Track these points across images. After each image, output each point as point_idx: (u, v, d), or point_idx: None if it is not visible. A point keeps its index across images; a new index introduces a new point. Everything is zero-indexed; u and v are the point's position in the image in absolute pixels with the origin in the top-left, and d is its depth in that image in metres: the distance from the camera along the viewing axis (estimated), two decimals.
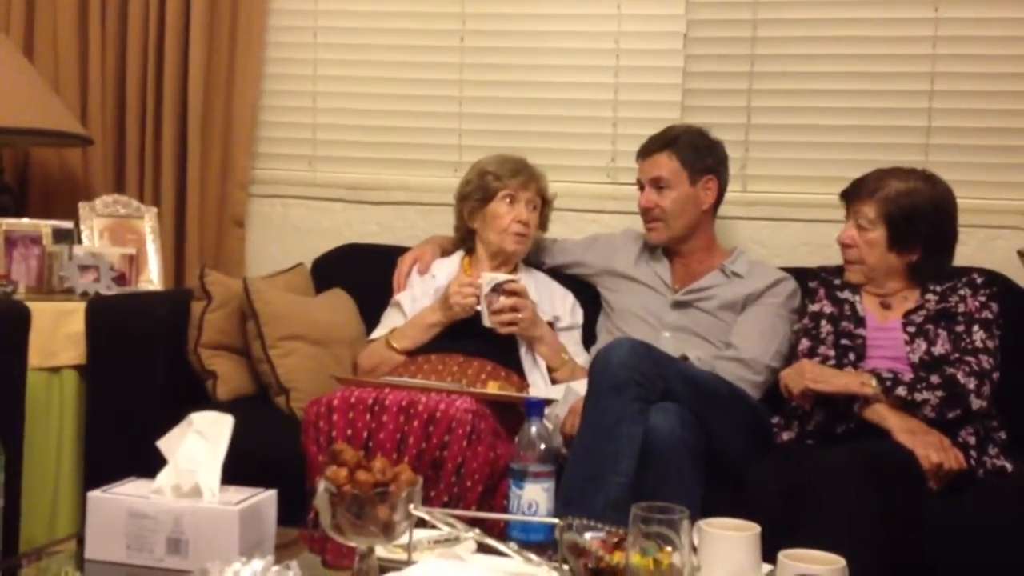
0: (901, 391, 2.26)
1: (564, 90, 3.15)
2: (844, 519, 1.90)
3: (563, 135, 3.15)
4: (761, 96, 3.02)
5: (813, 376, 2.34)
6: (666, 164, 2.70)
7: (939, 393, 2.27)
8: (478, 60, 3.21)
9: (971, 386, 2.28)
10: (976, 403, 2.28)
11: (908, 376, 2.31)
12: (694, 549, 1.47)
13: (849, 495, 1.93)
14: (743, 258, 2.76)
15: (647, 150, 2.75)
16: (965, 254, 2.61)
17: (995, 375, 2.33)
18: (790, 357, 2.55)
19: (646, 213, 2.74)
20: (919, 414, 2.26)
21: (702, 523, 1.55)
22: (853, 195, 2.51)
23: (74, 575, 1.64)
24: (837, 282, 2.57)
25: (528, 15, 3.17)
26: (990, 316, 2.41)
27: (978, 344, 2.35)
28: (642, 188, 2.75)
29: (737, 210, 2.98)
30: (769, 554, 1.50)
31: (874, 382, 2.29)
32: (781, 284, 2.68)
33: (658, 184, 2.70)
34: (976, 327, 2.38)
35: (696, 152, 2.71)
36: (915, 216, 2.43)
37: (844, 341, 2.44)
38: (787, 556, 1.45)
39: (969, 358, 2.33)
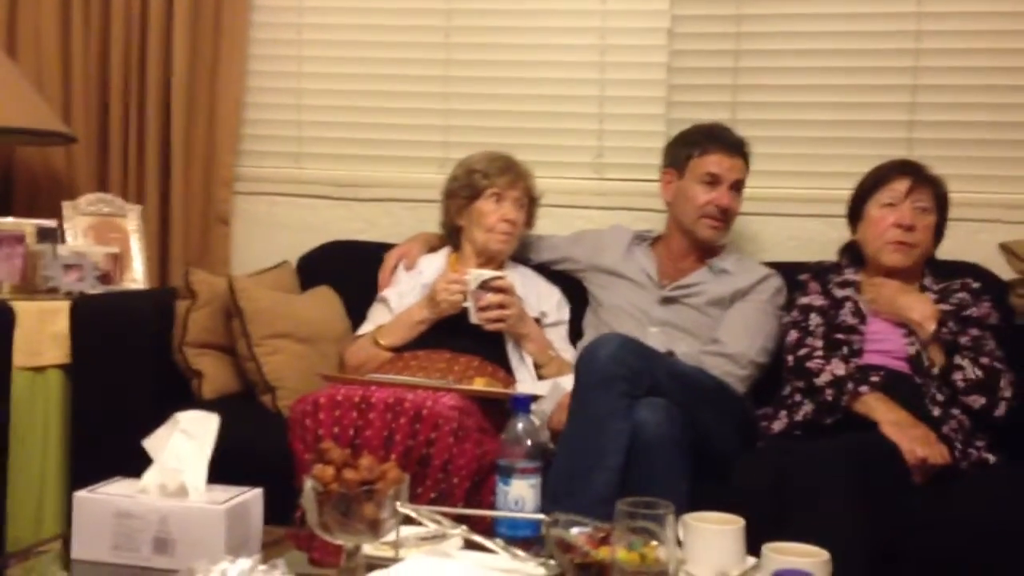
0: (947, 335, 2.32)
1: (550, 86, 3.15)
2: (828, 511, 1.90)
3: (549, 131, 3.15)
4: (746, 91, 3.03)
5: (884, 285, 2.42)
6: (743, 169, 2.72)
7: (978, 372, 2.29)
8: (463, 56, 3.21)
9: (1007, 394, 2.30)
10: (1002, 408, 2.30)
11: (962, 339, 2.34)
12: (679, 543, 1.48)
13: (833, 488, 1.94)
14: (730, 254, 2.77)
15: (737, 148, 2.72)
16: (948, 248, 2.62)
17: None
18: (777, 352, 2.56)
19: (721, 211, 2.68)
20: (951, 380, 2.29)
21: (687, 517, 1.55)
22: (915, 175, 2.50)
23: (60, 575, 1.63)
24: (839, 279, 2.57)
25: (513, 11, 3.17)
26: (997, 324, 2.43)
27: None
28: (711, 182, 2.68)
29: None
30: (756, 547, 1.51)
31: (933, 325, 2.32)
32: (768, 280, 2.69)
33: (739, 187, 2.71)
34: (989, 335, 2.39)
35: None
36: (946, 206, 2.52)
37: (839, 335, 2.44)
38: (771, 549, 1.46)
39: (1008, 374, 2.33)
